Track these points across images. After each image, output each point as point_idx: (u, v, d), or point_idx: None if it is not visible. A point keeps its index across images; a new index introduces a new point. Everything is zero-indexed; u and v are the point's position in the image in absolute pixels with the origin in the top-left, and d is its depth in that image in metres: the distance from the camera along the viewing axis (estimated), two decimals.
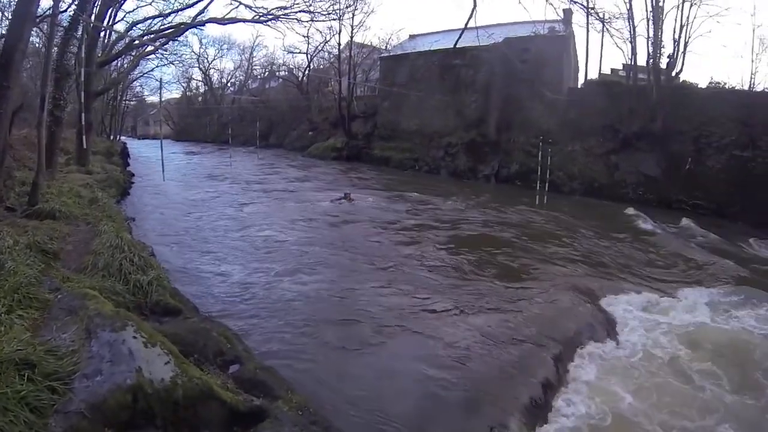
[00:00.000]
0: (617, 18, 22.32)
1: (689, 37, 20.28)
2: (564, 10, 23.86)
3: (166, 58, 28.83)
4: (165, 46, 23.64)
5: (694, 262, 11.21)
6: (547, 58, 23.43)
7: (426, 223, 13.98)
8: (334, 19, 27.12)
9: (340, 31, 31.91)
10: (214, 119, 45.46)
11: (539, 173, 19.08)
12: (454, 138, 26.18)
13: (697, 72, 42.15)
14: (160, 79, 36.12)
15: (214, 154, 37.14)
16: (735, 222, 17.18)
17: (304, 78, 37.83)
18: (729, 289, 9.32)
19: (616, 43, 23.75)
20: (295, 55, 38.68)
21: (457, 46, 26.36)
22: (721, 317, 7.95)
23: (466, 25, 23.85)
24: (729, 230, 15.73)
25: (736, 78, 39.79)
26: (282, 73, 40.63)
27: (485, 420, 4.64)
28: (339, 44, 32.82)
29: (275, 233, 12.04)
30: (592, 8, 22.55)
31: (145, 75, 35.24)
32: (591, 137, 21.58)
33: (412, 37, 33.25)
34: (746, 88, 21.26)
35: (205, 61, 47.14)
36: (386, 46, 33.95)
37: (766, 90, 20.97)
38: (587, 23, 24.10)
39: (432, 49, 28.03)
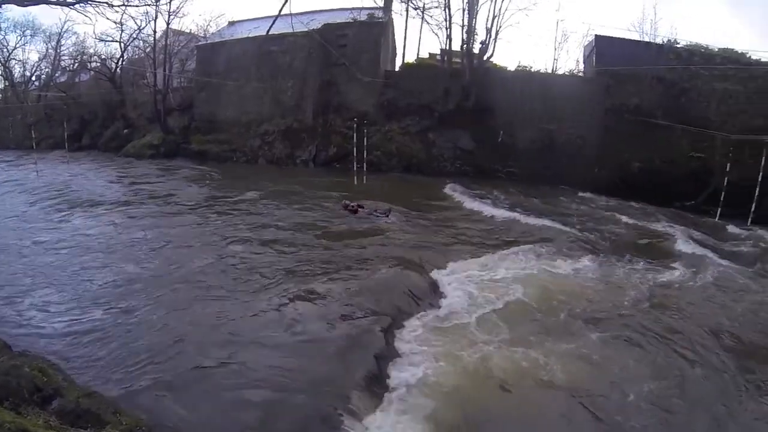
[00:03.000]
0: (436, 7, 23.48)
1: (500, 27, 22.00)
2: None
3: None
4: None
5: (507, 226, 12.61)
6: (365, 44, 23.22)
7: (234, 220, 12.78)
8: (149, 5, 23.84)
9: (156, 17, 28.23)
10: (17, 120, 37.84)
11: (355, 154, 19.25)
12: (272, 126, 24.33)
13: (506, 57, 48.10)
14: None
15: (17, 163, 30.58)
16: (546, 185, 19.29)
17: (118, 70, 32.89)
18: (536, 245, 10.64)
19: (432, 30, 24.37)
20: (107, 43, 33.47)
21: (278, 32, 24.36)
22: (530, 269, 9.12)
23: (281, 10, 22.57)
24: (541, 192, 18.01)
25: (540, 63, 46.36)
26: (94, 65, 35.09)
27: (328, 400, 4.66)
28: (155, 32, 29.05)
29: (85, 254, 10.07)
30: None
31: None
32: (408, 117, 22.00)
33: (231, 23, 30.75)
34: (550, 71, 24.02)
35: (5, 50, 39.45)
36: (205, 34, 30.89)
37: (566, 73, 23.96)
38: (407, 11, 24.22)
39: (250, 36, 25.65)
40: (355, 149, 19.06)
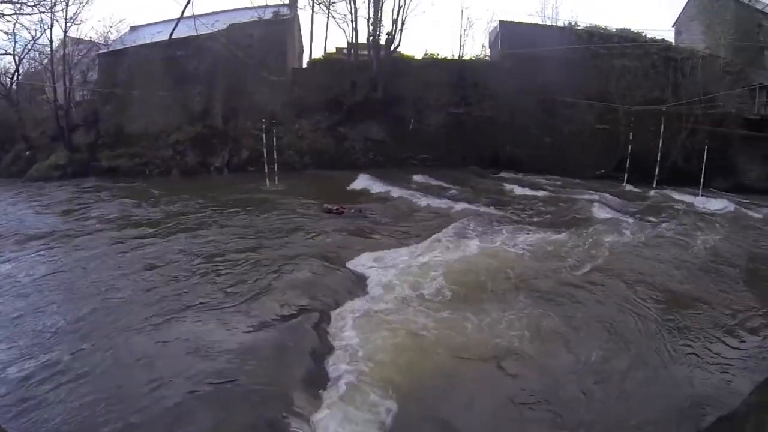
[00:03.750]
0: (341, 0, 24.47)
1: (406, 17, 22.05)
2: None
3: None
4: None
5: (424, 210, 12.89)
6: (272, 42, 22.74)
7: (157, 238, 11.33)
8: (43, 12, 22.19)
9: (52, 25, 26.20)
10: None
11: (265, 155, 18.37)
12: (181, 134, 23.10)
13: (413, 46, 49.15)
14: None
15: None
16: (459, 168, 19.65)
17: (14, 86, 30.46)
18: (454, 226, 10.75)
19: (338, 24, 24.01)
20: (0, 57, 30.95)
21: (183, 36, 23.40)
22: (452, 250, 9.26)
23: (182, 13, 22.01)
24: (455, 175, 18.21)
25: (447, 50, 45.96)
26: None
27: (271, 405, 4.55)
28: (51, 41, 26.97)
29: None
30: None
31: None
32: (317, 113, 21.78)
33: (133, 28, 29.15)
34: (456, 57, 23.84)
35: None
36: (106, 41, 29.23)
37: (472, 58, 24.15)
38: (312, 6, 23.87)
39: (154, 41, 24.43)
40: (264, 151, 18.29)
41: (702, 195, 21.22)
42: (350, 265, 8.34)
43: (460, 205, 13.49)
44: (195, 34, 22.23)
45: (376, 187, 16.19)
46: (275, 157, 18.25)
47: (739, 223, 16.94)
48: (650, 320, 7.31)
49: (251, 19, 22.48)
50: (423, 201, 14.14)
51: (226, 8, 24.37)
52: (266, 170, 17.83)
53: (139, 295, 7.47)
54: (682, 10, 30.27)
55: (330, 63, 22.83)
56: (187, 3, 19.79)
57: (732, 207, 20.29)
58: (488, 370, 5.51)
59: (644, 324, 7.13)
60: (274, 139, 18.57)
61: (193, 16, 20.11)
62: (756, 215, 19.59)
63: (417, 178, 17.61)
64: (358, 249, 9.20)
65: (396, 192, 15.40)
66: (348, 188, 16.59)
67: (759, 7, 29.78)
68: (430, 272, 7.90)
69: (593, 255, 10.17)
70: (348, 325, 6.13)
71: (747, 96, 26.29)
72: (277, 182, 17.32)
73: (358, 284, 7.56)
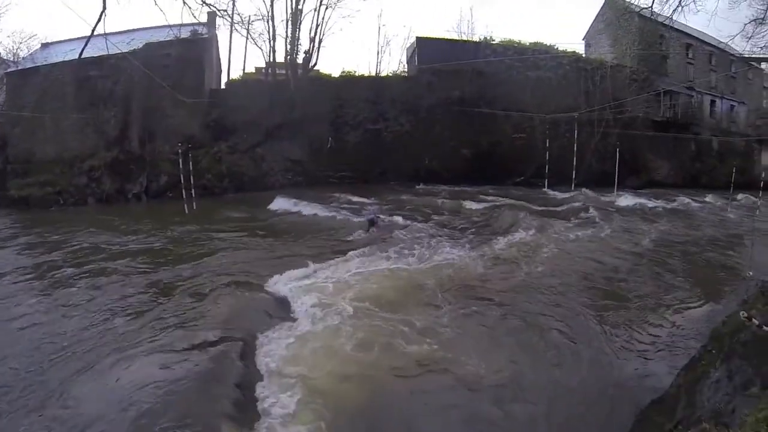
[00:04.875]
0: (260, 20, 24.09)
1: (324, 35, 22.28)
2: (208, 12, 22.76)
3: None
4: None
5: (344, 227, 12.88)
6: (189, 62, 21.96)
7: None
8: None
9: None
10: None
11: (182, 181, 17.50)
12: (96, 160, 21.79)
13: (331, 64, 49.28)
14: None
15: None
16: (379, 183, 20.08)
17: None
18: (376, 239, 11.07)
19: (256, 43, 23.73)
20: None
21: (97, 55, 22.30)
22: (373, 265, 9.27)
23: (93, 30, 20.56)
24: (375, 190, 18.43)
25: (365, 67, 47.99)
26: None
27: None
28: None
29: None
30: (225, 11, 22.36)
31: None
32: (235, 135, 21.25)
33: (45, 45, 27.68)
34: (374, 74, 24.18)
35: None
36: (15, 58, 27.74)
37: (389, 74, 24.47)
38: (231, 25, 23.37)
39: (66, 59, 23.24)
40: (182, 176, 17.49)
41: (616, 193, 22.70)
42: (271, 287, 8.13)
43: (381, 220, 13.53)
44: (112, 52, 21.19)
45: (294, 206, 16.00)
46: (192, 182, 17.59)
47: (651, 216, 18.37)
48: (581, 315, 7.64)
49: (168, 38, 21.88)
50: (342, 218, 14.15)
51: (141, 26, 23.28)
52: (184, 196, 17.10)
53: (54, 338, 6.86)
54: (591, 25, 32.21)
55: (248, 83, 22.52)
56: (99, 19, 18.83)
57: (643, 202, 21.96)
58: (420, 381, 5.50)
59: (576, 319, 7.44)
60: (191, 163, 17.91)
61: (105, 34, 19.13)
62: (666, 207, 21.30)
63: (336, 195, 17.50)
64: (278, 269, 8.95)
65: (313, 210, 15.31)
66: (266, 210, 16.28)
67: (660, 20, 32.30)
68: (353, 288, 7.92)
69: (520, 258, 10.56)
70: (274, 349, 5.95)
71: (653, 100, 28.30)
72: (195, 208, 16.63)
73: (281, 306, 7.37)
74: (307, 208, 15.57)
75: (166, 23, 19.24)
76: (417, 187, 19.82)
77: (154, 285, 8.58)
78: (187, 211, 16.16)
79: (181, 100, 20.71)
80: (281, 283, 8.22)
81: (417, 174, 20.62)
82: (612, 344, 6.72)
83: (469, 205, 17.01)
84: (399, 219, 13.83)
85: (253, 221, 14.05)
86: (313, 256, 9.91)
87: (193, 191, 17.25)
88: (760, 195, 24.27)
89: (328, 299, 7.41)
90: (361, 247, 10.57)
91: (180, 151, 17.85)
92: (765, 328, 5.16)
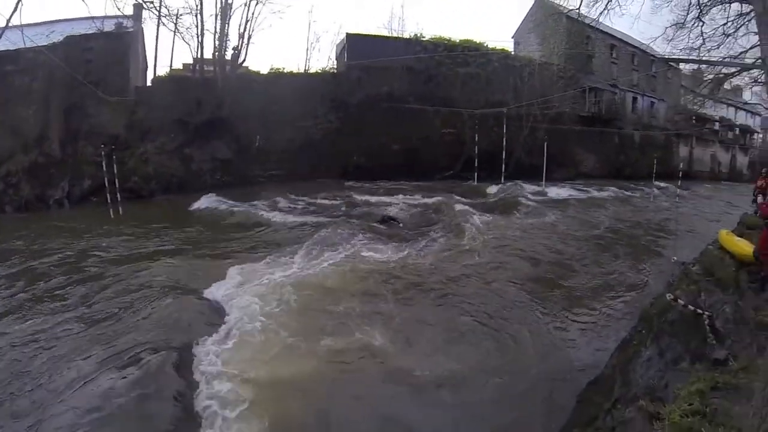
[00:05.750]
0: (188, 13, 23.58)
1: (253, 31, 22.41)
2: (134, 4, 22.19)
3: None
4: None
5: (273, 226, 12.71)
6: (114, 57, 21.14)
7: None
8: None
9: None
10: None
11: (107, 185, 16.81)
12: (13, 164, 20.57)
13: (260, 61, 49.60)
14: None
15: None
16: (309, 181, 19.87)
17: None
18: (306, 242, 10.68)
19: (183, 38, 23.17)
20: None
21: (13, 48, 21.20)
22: (307, 263, 9.26)
23: (9, 20, 19.60)
24: (305, 188, 18.26)
25: (294, 64, 47.74)
26: None
27: None
28: None
29: None
30: (151, 2, 21.85)
31: None
32: (162, 134, 20.43)
33: None
34: (303, 70, 24.10)
35: None
36: None
37: (318, 71, 24.25)
38: (158, 18, 22.75)
39: None
40: (106, 179, 16.71)
41: (545, 185, 23.74)
42: (205, 291, 7.85)
43: (311, 218, 13.62)
44: (29, 45, 20.04)
45: (223, 207, 15.72)
46: (118, 185, 16.94)
47: (578, 206, 19.37)
48: (520, 304, 7.90)
49: (91, 31, 20.73)
50: (272, 217, 13.96)
51: (62, 17, 22.06)
52: (108, 201, 16.40)
53: None
54: (521, 24, 33.58)
55: (175, 81, 21.63)
56: (15, 9, 17.78)
57: (571, 192, 23.23)
58: (362, 377, 5.54)
59: (515, 309, 7.70)
60: (115, 165, 17.22)
61: (21, 26, 18.10)
62: (593, 197, 22.74)
63: (266, 194, 17.25)
64: (211, 273, 8.72)
65: (243, 210, 15.10)
66: (192, 211, 15.94)
67: (587, 22, 34.13)
68: (287, 287, 7.82)
69: (455, 251, 10.83)
70: (210, 356, 5.77)
71: (579, 97, 29.83)
72: (121, 213, 16.00)
73: (216, 310, 7.14)
74: (237, 209, 15.39)
75: (89, 15, 18.65)
76: (347, 183, 19.93)
77: (79, 300, 7.95)
78: (112, 216, 15.53)
79: (105, 98, 20.16)
80: (215, 287, 8.00)
81: (347, 170, 20.81)
82: (550, 331, 7.03)
83: (399, 200, 17.33)
84: (328, 218, 13.80)
85: (182, 224, 13.62)
86: (246, 258, 9.79)
87: (118, 195, 16.63)
88: (679, 183, 26.11)
89: (262, 300, 7.31)
90: (295, 246, 10.48)
91: (103, 152, 17.15)
92: (690, 307, 5.57)
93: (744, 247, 6.82)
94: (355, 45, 23.15)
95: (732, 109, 42.69)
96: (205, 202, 16.51)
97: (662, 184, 27.08)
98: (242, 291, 7.78)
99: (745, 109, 41.76)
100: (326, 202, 16.65)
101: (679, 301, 5.78)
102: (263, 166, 20.36)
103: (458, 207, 15.81)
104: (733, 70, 15.42)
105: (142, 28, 23.79)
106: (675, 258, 11.49)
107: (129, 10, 22.00)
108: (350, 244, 10.75)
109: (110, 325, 6.76)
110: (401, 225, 13.56)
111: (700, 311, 5.44)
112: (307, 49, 35.40)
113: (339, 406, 5.08)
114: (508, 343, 6.55)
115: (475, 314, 7.32)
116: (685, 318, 5.55)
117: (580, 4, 12.26)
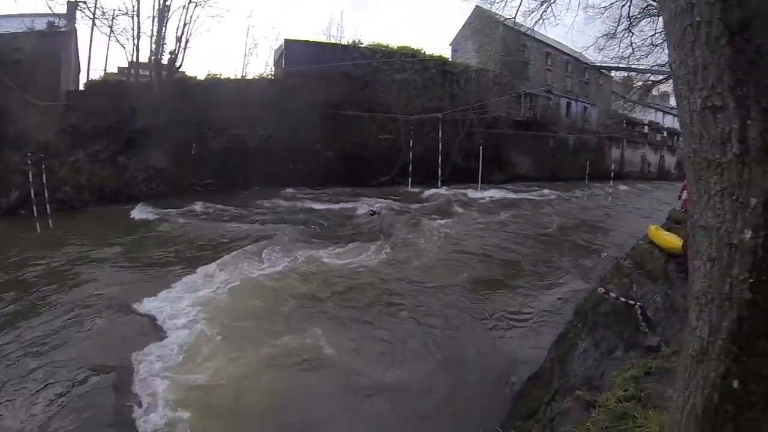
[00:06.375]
0: (124, 14, 22.45)
1: (191, 35, 22.01)
2: (68, 3, 21.60)
3: None
4: None
5: (208, 236, 12.53)
6: (44, 59, 20.27)
7: None
8: None
9: None
10: None
11: (33, 195, 15.75)
12: None
13: (196, 66, 50.01)
14: None
15: None
16: (245, 189, 20.02)
17: None
18: (239, 249, 10.71)
19: (119, 41, 23.19)
20: None
21: None
22: (241, 272, 9.23)
23: None
24: (241, 197, 18.42)
25: (231, 70, 46.56)
26: None
27: None
28: None
29: None
30: (85, 2, 21.20)
31: None
32: (95, 142, 19.81)
33: None
34: (240, 76, 23.92)
35: None
36: None
37: (255, 77, 24.26)
38: (93, 19, 22.03)
39: None
40: (32, 190, 15.70)
41: (480, 188, 24.89)
42: (140, 305, 7.62)
43: (245, 226, 13.62)
44: None
45: (157, 217, 15.38)
46: (47, 196, 15.94)
47: (514, 207, 20.33)
48: (459, 305, 8.09)
49: (20, 30, 19.31)
50: (206, 227, 13.81)
51: None
52: (36, 213, 15.30)
53: None
54: (459, 32, 34.85)
55: (109, 85, 21.03)
56: None
57: (507, 194, 24.23)
58: (299, 380, 5.65)
59: (455, 310, 7.86)
60: (44, 175, 16.20)
61: None
62: (528, 198, 23.77)
63: (199, 204, 17.04)
64: (146, 286, 8.52)
65: (179, 220, 14.81)
66: (126, 222, 15.48)
67: (523, 30, 35.91)
68: (225, 296, 7.86)
69: (392, 255, 10.99)
70: (150, 372, 5.60)
71: (515, 102, 31.30)
72: (51, 226, 15.02)
73: (153, 324, 6.99)
74: (172, 219, 15.19)
75: (18, 12, 17.75)
76: (283, 191, 20.08)
77: (3, 323, 7.41)
78: (39, 230, 14.48)
79: (34, 102, 19.62)
80: (151, 300, 7.80)
81: (283, 178, 20.89)
82: (489, 329, 7.30)
83: (333, 207, 17.65)
84: (261, 226, 13.83)
85: (115, 236, 13.17)
86: (181, 268, 9.63)
87: (48, 207, 15.66)
88: (611, 184, 28.00)
89: (200, 311, 7.22)
90: (229, 255, 10.35)
91: (30, 161, 16.30)
92: (622, 299, 5.95)
93: (672, 240, 7.42)
94: (293, 51, 23.35)
95: (660, 113, 45.77)
96: (140, 212, 16.15)
97: (595, 184, 28.74)
98: (180, 302, 7.68)
99: (672, 113, 44.64)
100: (261, 209, 16.79)
101: (611, 294, 6.22)
102: (199, 175, 20.12)
103: (393, 212, 16.37)
104: (660, 77, 16.84)
105: (76, 29, 22.98)
106: (605, 254, 12.35)
107: (62, 9, 21.42)
108: (288, 250, 10.88)
109: (40, 349, 6.34)
110: (332, 231, 13.80)
111: (632, 302, 5.83)
112: (245, 55, 35.17)
113: (284, 411, 5.16)
114: (449, 344, 6.74)
115: (417, 317, 7.53)
116: (618, 309, 5.96)
117: (516, 14, 12.79)
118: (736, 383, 1.18)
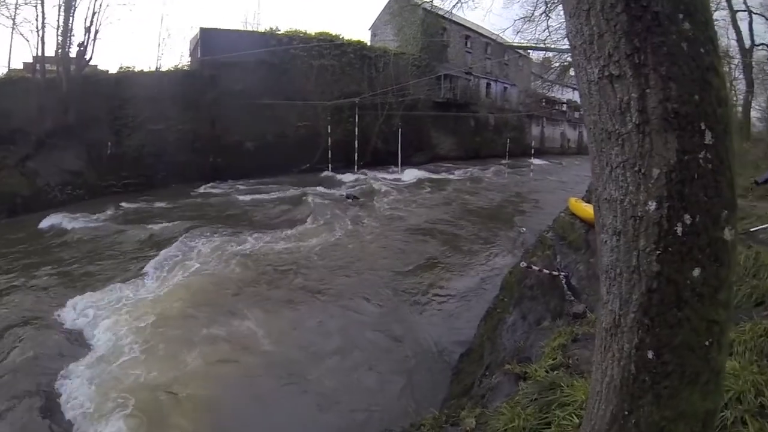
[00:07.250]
0: (27, 4, 19.99)
1: (100, 24, 20.49)
2: None
3: None
4: None
5: (132, 238, 12.16)
6: None
7: None
8: None
9: None
10: None
11: None
12: None
13: (108, 59, 48.07)
14: None
15: None
16: (166, 187, 19.47)
17: None
18: (168, 248, 10.48)
19: (22, 34, 20.90)
20: None
21: None
22: (165, 275, 8.96)
23: None
24: (162, 195, 17.80)
25: (145, 62, 45.28)
26: None
27: None
28: None
29: None
30: None
31: None
32: (0, 146, 18.08)
33: None
34: (154, 69, 23.15)
35: None
36: None
37: (170, 69, 23.55)
38: None
39: None
40: None
41: (401, 169, 26.21)
42: (62, 320, 7.28)
43: (167, 226, 13.13)
44: None
45: (72, 225, 14.27)
46: None
47: (434, 187, 21.38)
48: (389, 292, 8.20)
49: None
50: (124, 230, 13.19)
51: None
52: None
53: None
54: (378, 16, 35.55)
55: (13, 82, 19.33)
56: None
57: (427, 174, 25.48)
58: (232, 379, 5.63)
59: (385, 297, 7.94)
60: None
61: None
62: (449, 177, 25.14)
63: (119, 206, 16.41)
64: (66, 300, 8.01)
65: (92, 227, 13.97)
66: (38, 233, 14.16)
67: (441, 13, 37.02)
68: (150, 302, 7.58)
69: (314, 244, 11.10)
70: (78, 391, 5.37)
71: (434, 84, 32.59)
72: None
73: (77, 339, 6.72)
74: (88, 226, 14.25)
75: None
76: (204, 186, 19.98)
77: None
78: None
79: None
80: (73, 314, 7.47)
81: (202, 173, 20.72)
82: (420, 313, 7.45)
83: (261, 197, 17.75)
84: (186, 223, 13.39)
85: (28, 249, 12.27)
86: (101, 277, 9.25)
87: None
88: (532, 160, 30.09)
89: (124, 320, 7.00)
90: (151, 259, 9.99)
91: None
92: (545, 271, 6.22)
93: (591, 211, 8.78)
94: (209, 40, 22.98)
95: (577, 92, 48.52)
96: (53, 221, 14.80)
97: (517, 162, 30.42)
98: (102, 313, 7.38)
99: None
100: (182, 207, 16.44)
101: (533, 267, 6.39)
102: (117, 176, 19.35)
103: (312, 200, 16.55)
104: None
105: None
106: (524, 229, 13.15)
107: None
108: (213, 245, 10.75)
109: None
110: (255, 223, 13.77)
111: (556, 272, 5.98)
112: (159, 46, 33.05)
113: (221, 407, 5.20)
114: (385, 327, 6.87)
115: (351, 301, 7.68)
116: (542, 281, 6.08)
117: None
118: (650, 354, 1.17)
